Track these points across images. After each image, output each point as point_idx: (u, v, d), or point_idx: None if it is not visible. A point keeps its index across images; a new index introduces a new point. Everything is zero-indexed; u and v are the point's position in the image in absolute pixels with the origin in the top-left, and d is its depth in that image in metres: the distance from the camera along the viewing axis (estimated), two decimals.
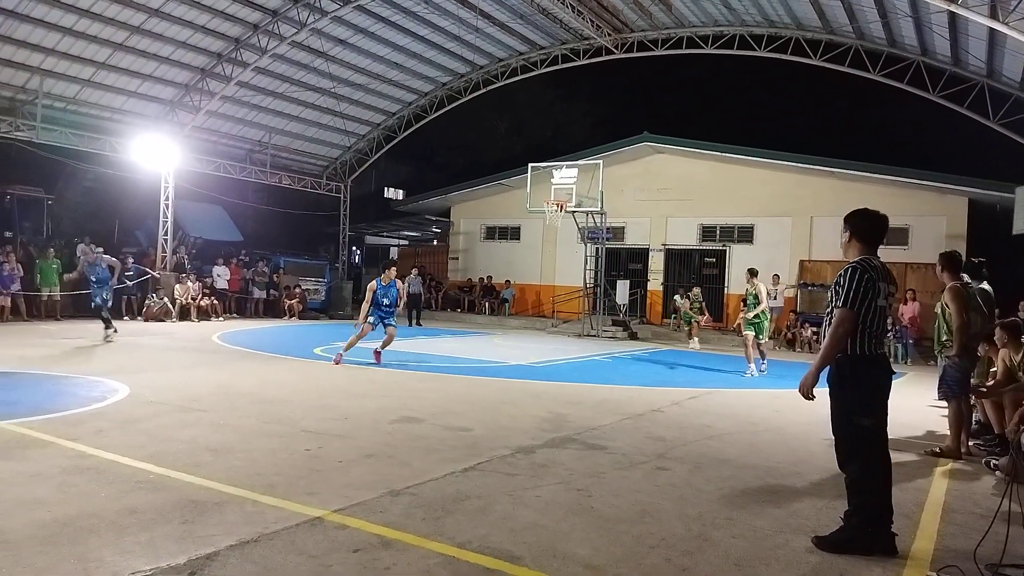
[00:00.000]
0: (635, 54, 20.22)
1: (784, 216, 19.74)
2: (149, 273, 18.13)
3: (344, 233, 25.36)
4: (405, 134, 24.31)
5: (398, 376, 9.76)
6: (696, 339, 17.11)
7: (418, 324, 19.62)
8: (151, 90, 18.36)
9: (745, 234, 20.72)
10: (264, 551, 3.40)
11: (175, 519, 3.76)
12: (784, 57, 18.21)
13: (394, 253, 28.73)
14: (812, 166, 19.33)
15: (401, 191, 32.78)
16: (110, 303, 12.97)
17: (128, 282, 17.19)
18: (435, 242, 27.73)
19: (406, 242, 29.43)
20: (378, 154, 24.83)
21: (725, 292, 20.79)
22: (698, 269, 21.49)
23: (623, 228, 22.17)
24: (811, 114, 30.35)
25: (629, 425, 6.93)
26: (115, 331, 12.56)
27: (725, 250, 20.98)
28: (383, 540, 3.60)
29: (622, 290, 20.14)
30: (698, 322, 17.73)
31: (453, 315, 22.98)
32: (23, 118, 16.46)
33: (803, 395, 3.90)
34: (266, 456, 5.12)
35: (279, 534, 3.62)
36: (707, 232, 21.39)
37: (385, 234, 29.01)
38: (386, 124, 23.94)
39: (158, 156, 18.28)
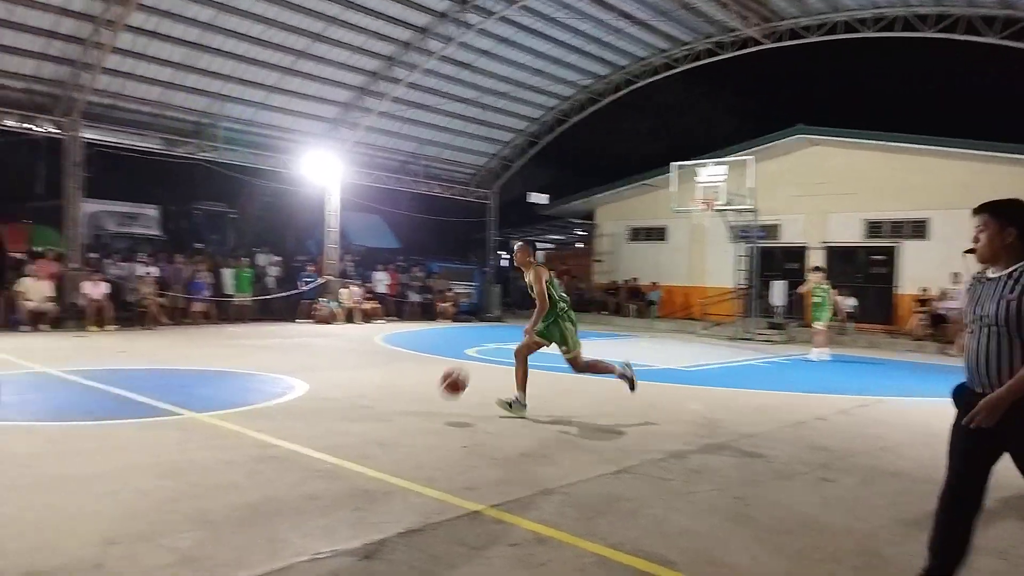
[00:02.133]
0: (786, 43, 19.26)
1: (963, 208, 17.99)
2: (322, 279, 19.63)
3: (492, 238, 26.05)
4: (548, 139, 24.61)
5: (548, 377, 9.91)
6: (820, 349, 13.44)
7: None
8: (316, 109, 19.81)
9: (918, 229, 19.12)
10: (429, 540, 3.61)
11: (349, 506, 4.08)
12: (955, 37, 16.64)
13: (540, 257, 29.17)
14: (996, 153, 17.50)
15: (545, 195, 33.20)
16: None
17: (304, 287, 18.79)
18: (580, 245, 27.82)
19: (551, 246, 29.76)
20: (522, 160, 25.30)
21: (895, 292, 19.29)
22: (864, 267, 20.09)
23: (777, 226, 21.17)
24: (988, 98, 27.51)
25: (789, 433, 6.64)
26: None
27: (894, 247, 19.46)
28: (538, 537, 3.70)
29: (778, 291, 19.22)
30: (837, 321, 14.75)
31: (598, 318, 22.95)
32: (207, 140, 18.31)
33: (984, 421, 2.78)
34: (427, 451, 5.41)
35: (442, 525, 3.82)
36: (873, 228, 19.94)
37: (530, 238, 29.51)
38: (529, 130, 24.36)
39: (323, 171, 19.74)
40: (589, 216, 26.33)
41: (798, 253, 20.96)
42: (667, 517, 4.10)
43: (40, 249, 16.69)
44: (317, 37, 17.48)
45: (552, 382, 9.52)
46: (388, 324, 19.18)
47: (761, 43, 19.39)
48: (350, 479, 4.61)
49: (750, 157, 18.13)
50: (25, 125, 15.61)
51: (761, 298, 19.17)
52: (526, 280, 7.18)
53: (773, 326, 18.55)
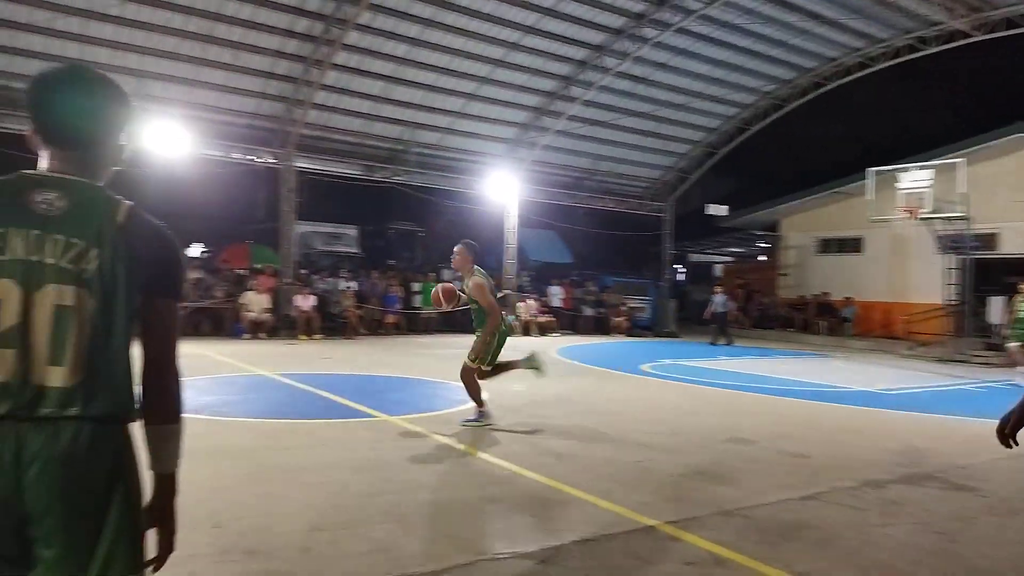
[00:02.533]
0: (1000, 33, 17.20)
1: None
2: (501, 293, 20.39)
3: (667, 252, 25.60)
4: (727, 149, 23.81)
5: (729, 396, 9.58)
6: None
7: (725, 343, 18.78)
8: (496, 132, 20.64)
9: None
10: (604, 550, 3.65)
11: (527, 512, 4.22)
12: None
13: (718, 271, 28.20)
14: None
15: (724, 207, 32.09)
16: None
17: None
18: (762, 258, 26.55)
19: (730, 258, 28.67)
20: (699, 171, 24.67)
21: None
22: None
23: (995, 235, 18.88)
24: None
25: (1008, 466, 5.91)
26: None
27: None
28: (716, 557, 3.61)
29: (997, 307, 17.11)
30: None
31: (784, 335, 21.71)
32: (401, 164, 19.70)
33: None
34: (602, 464, 5.45)
35: (617, 537, 3.84)
36: None
37: (709, 251, 28.65)
38: (707, 140, 23.71)
39: (502, 189, 20.51)
40: (772, 227, 25.08)
41: (1021, 265, 18.54)
42: (861, 549, 3.83)
43: (259, 266, 18.81)
44: (498, 63, 18.26)
45: (733, 400, 9.18)
46: (563, 337, 19.45)
47: (970, 35, 17.49)
48: (527, 486, 4.77)
49: (961, 160, 16.36)
50: (248, 157, 17.74)
51: (976, 315, 17.16)
52: (465, 288, 6.81)
53: (991, 347, 16.52)
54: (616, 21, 17.94)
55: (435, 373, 10.62)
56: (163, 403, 1.62)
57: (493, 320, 6.54)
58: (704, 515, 4.26)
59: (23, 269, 1.46)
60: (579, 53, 18.79)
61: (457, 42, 17.32)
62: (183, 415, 1.66)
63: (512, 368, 6.96)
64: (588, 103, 20.21)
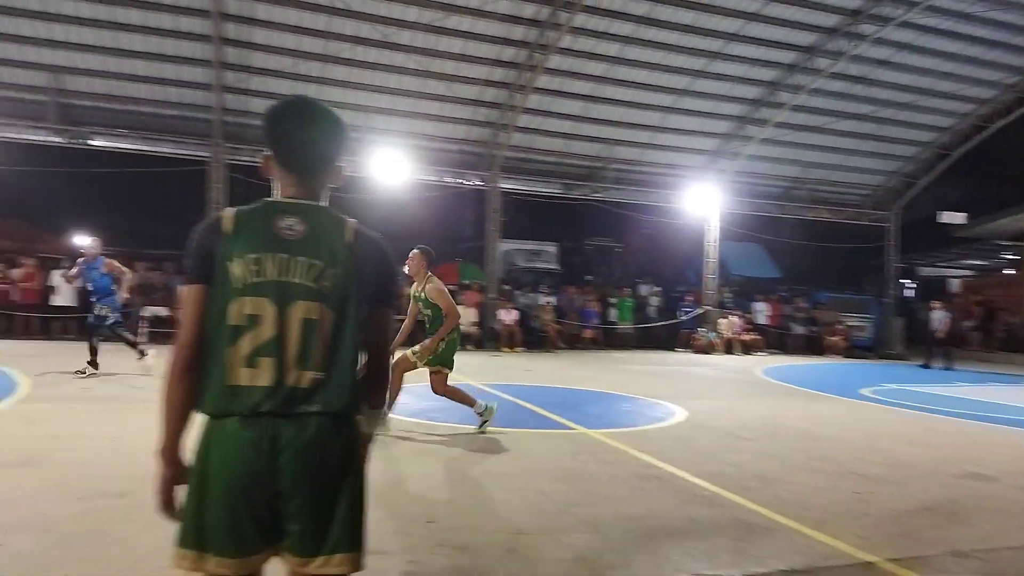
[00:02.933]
0: None
1: None
2: (701, 309, 19.86)
3: (891, 265, 23.36)
4: (963, 149, 21.28)
5: (961, 426, 8.57)
6: None
7: (943, 366, 16.60)
8: (696, 144, 20.19)
9: None
10: None
11: (729, 534, 4.11)
12: None
13: (954, 285, 25.18)
14: None
15: (962, 214, 28.64)
16: (110, 321, 9.47)
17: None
18: (1009, 271, 23.31)
19: (969, 272, 25.51)
20: (929, 175, 22.27)
21: None
22: None
23: None
24: None
25: None
26: (90, 370, 9.34)
27: None
28: None
29: None
30: None
31: None
32: (598, 181, 19.93)
33: None
34: (813, 491, 5.14)
35: (830, 570, 3.62)
36: None
37: (941, 264, 25.72)
38: (938, 141, 21.37)
39: (703, 202, 19.99)
40: (1020, 237, 21.94)
41: None
42: None
43: (467, 282, 19.93)
44: (699, 74, 17.90)
45: (966, 431, 8.21)
46: (769, 357, 18.46)
47: None
48: (729, 508, 4.63)
49: None
50: (458, 180, 18.93)
51: None
52: (416, 292, 6.56)
53: None
54: (829, 20, 16.86)
55: (633, 388, 10.59)
56: (377, 394, 1.90)
57: (452, 322, 6.61)
58: (933, 555, 3.88)
59: (276, 289, 1.72)
60: (787, 56, 17.88)
61: (656, 56, 17.25)
62: (385, 404, 1.94)
63: (464, 403, 6.90)
64: (797, 108, 19.14)
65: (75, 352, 12.37)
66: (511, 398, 9.19)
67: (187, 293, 1.77)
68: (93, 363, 9.30)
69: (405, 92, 16.85)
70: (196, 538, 1.69)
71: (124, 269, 9.57)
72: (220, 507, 1.68)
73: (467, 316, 17.05)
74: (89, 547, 3.52)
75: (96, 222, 29.17)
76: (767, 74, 18.39)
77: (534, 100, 17.61)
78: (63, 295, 14.96)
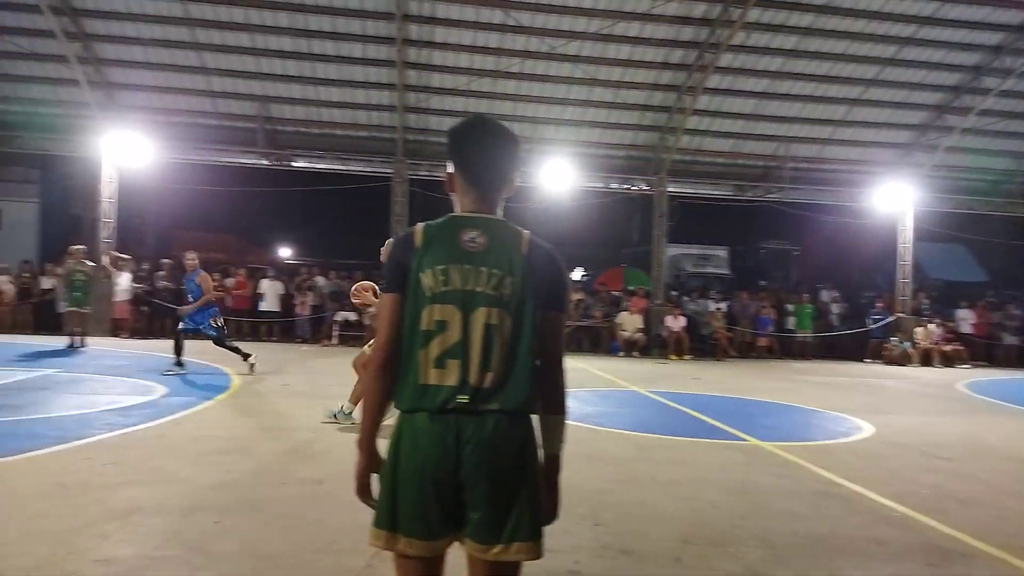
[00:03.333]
0: None
1: None
2: (893, 317, 18.30)
3: None
4: None
5: None
6: None
7: None
8: (885, 137, 18.65)
9: None
10: None
11: (920, 559, 3.80)
12: None
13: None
14: None
15: None
16: (209, 329, 9.92)
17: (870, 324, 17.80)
18: None
19: None
20: None
21: None
22: None
23: None
24: None
25: None
26: (176, 370, 9.61)
27: None
28: None
29: None
30: None
31: None
32: (773, 182, 18.99)
33: None
34: (1019, 516, 4.61)
35: None
36: None
37: None
38: None
39: (894, 200, 18.42)
40: None
41: None
42: None
43: (633, 288, 19.78)
44: (888, 62, 16.57)
45: None
46: (974, 369, 16.59)
47: None
48: (922, 532, 4.27)
49: None
50: (624, 185, 18.87)
51: None
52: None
53: None
54: None
55: (812, 401, 10.00)
56: (554, 398, 1.98)
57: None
58: None
59: (461, 297, 1.88)
60: (992, 38, 16.10)
61: (839, 46, 16.20)
62: (567, 410, 1.99)
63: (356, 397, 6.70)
64: (1006, 94, 17.12)
65: (279, 352, 13.77)
66: (678, 406, 9.02)
67: (385, 301, 1.97)
68: (179, 363, 9.73)
69: (572, 101, 17.09)
70: (389, 520, 1.87)
71: (210, 286, 10.09)
72: (410, 493, 1.85)
73: (633, 323, 16.93)
74: (290, 527, 3.95)
75: (295, 235, 32.32)
76: (968, 58, 16.63)
77: (704, 101, 17.16)
78: (268, 302, 16.67)
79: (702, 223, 24.19)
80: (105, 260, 15.59)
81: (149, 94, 16.44)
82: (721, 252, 25.55)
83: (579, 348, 16.70)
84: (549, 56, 15.93)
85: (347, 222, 27.67)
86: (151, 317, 16.06)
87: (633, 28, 15.64)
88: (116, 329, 15.50)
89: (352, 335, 16.18)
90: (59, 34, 14.44)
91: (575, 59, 16.06)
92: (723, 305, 18.32)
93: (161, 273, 16.63)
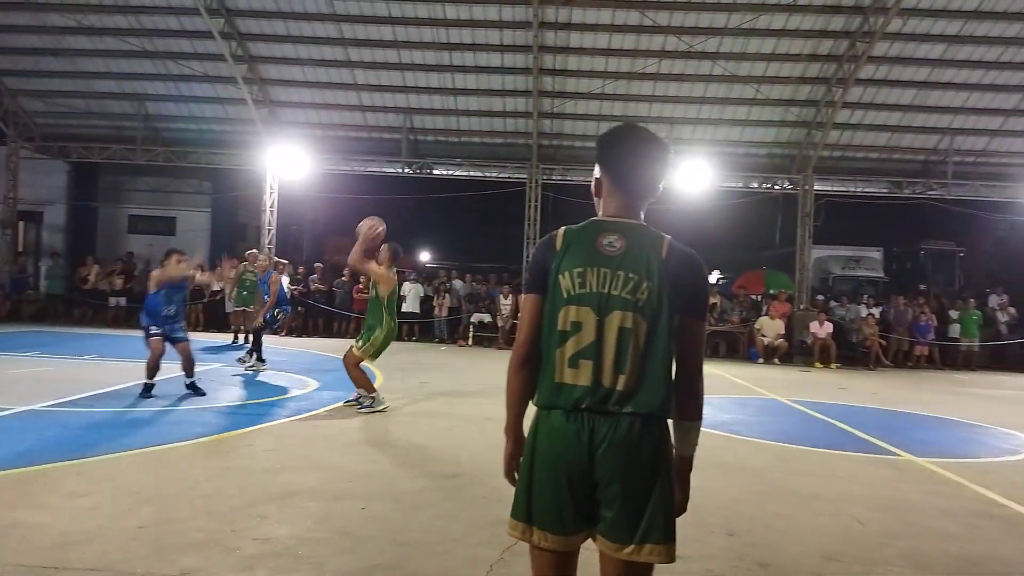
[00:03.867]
0: None
1: None
2: None
3: None
4: None
5: None
6: None
7: None
8: None
9: None
10: None
11: None
12: None
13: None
14: None
15: None
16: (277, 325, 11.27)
17: None
18: None
19: None
20: None
21: None
22: None
23: None
24: None
25: None
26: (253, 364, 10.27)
27: None
28: None
29: None
30: None
31: None
32: (934, 177, 17.52)
33: None
34: None
35: None
36: None
37: None
38: None
39: None
40: None
41: None
42: None
43: (774, 292, 18.92)
44: None
45: None
46: None
47: None
48: None
49: None
50: (766, 185, 18.11)
51: None
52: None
53: None
54: None
55: (976, 415, 9.17)
56: (691, 404, 1.99)
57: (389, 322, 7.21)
58: None
59: (597, 299, 1.94)
60: None
61: (1011, 29, 14.73)
62: (703, 416, 2.01)
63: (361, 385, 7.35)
64: None
65: (418, 352, 14.40)
66: (823, 417, 8.57)
67: (526, 301, 2.08)
68: (260, 359, 10.35)
69: (711, 100, 16.63)
70: (525, 512, 1.97)
71: (274, 292, 10.65)
72: (545, 487, 1.93)
73: (773, 328, 16.21)
74: (428, 517, 4.17)
75: (434, 240, 33.59)
76: None
77: (855, 93, 16.14)
78: (409, 303, 17.47)
79: (853, 223, 22.70)
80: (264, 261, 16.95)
81: (306, 110, 17.72)
82: (874, 254, 23.87)
83: (715, 354, 16.21)
84: (687, 55, 15.59)
85: (483, 227, 28.41)
86: (306, 316, 17.26)
87: (778, 20, 14.99)
88: (276, 327, 16.80)
89: (487, 336, 16.62)
90: (228, 57, 15.88)
91: (714, 56, 15.62)
92: (876, 310, 17.12)
93: (314, 276, 17.85)
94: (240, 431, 6.26)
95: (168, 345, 7.59)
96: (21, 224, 19.30)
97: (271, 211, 17.87)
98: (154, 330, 7.51)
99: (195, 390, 7.66)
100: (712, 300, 17.13)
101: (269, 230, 17.80)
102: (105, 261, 18.46)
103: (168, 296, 7.63)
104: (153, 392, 7.40)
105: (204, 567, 3.29)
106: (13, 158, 18.16)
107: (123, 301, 17.27)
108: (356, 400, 7.44)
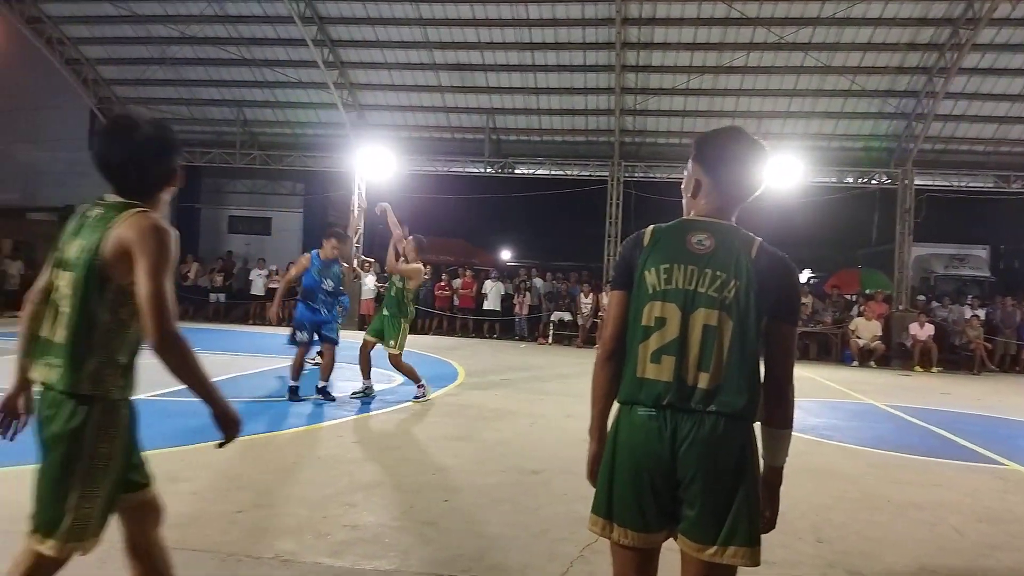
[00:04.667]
0: None
1: None
2: None
3: None
4: None
5: None
6: None
7: None
8: None
9: None
10: None
11: None
12: None
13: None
14: None
15: None
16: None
17: None
18: None
19: None
20: None
21: None
22: None
23: None
24: None
25: None
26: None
27: None
28: None
29: None
30: None
31: None
32: None
33: None
34: None
35: None
36: None
37: None
38: None
39: None
40: None
41: None
42: None
43: (869, 291, 18.09)
44: None
45: None
46: None
47: None
48: None
49: None
50: (861, 180, 17.34)
51: None
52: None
53: None
54: None
55: None
56: (780, 411, 1.96)
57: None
58: None
59: (683, 296, 1.92)
60: None
61: None
62: (793, 424, 1.96)
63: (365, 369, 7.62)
64: None
65: (500, 349, 14.55)
66: (922, 423, 8.15)
67: (612, 297, 2.10)
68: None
69: (802, 92, 16.09)
70: (606, 508, 1.96)
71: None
72: (626, 484, 1.93)
73: (869, 329, 15.50)
74: (508, 512, 4.23)
75: (515, 238, 33.77)
76: None
77: (958, 83, 15.26)
78: (491, 301, 17.65)
79: (956, 219, 21.39)
80: (354, 263, 17.52)
81: (393, 113, 18.19)
82: (980, 251, 22.44)
83: (806, 356, 15.62)
84: (777, 46, 15.12)
85: (564, 225, 28.37)
86: None
87: (874, 8, 14.35)
88: (363, 323, 17.34)
89: (567, 334, 16.60)
90: (321, 64, 16.48)
91: (806, 47, 15.08)
92: (981, 312, 16.11)
93: None
94: (330, 423, 6.51)
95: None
96: None
97: (359, 211, 18.43)
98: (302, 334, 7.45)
99: (325, 395, 7.48)
100: (804, 300, 16.56)
101: (357, 229, 18.35)
102: (207, 259, 19.50)
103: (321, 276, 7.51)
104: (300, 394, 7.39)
105: (297, 551, 3.45)
106: None
107: (222, 297, 18.20)
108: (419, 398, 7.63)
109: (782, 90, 16.13)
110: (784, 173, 15.92)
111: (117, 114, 2.45)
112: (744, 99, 16.40)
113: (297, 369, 7.43)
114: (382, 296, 17.29)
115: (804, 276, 24.92)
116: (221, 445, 2.20)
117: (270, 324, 13.67)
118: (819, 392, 10.33)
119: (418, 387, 7.64)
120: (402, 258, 7.66)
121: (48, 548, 2.04)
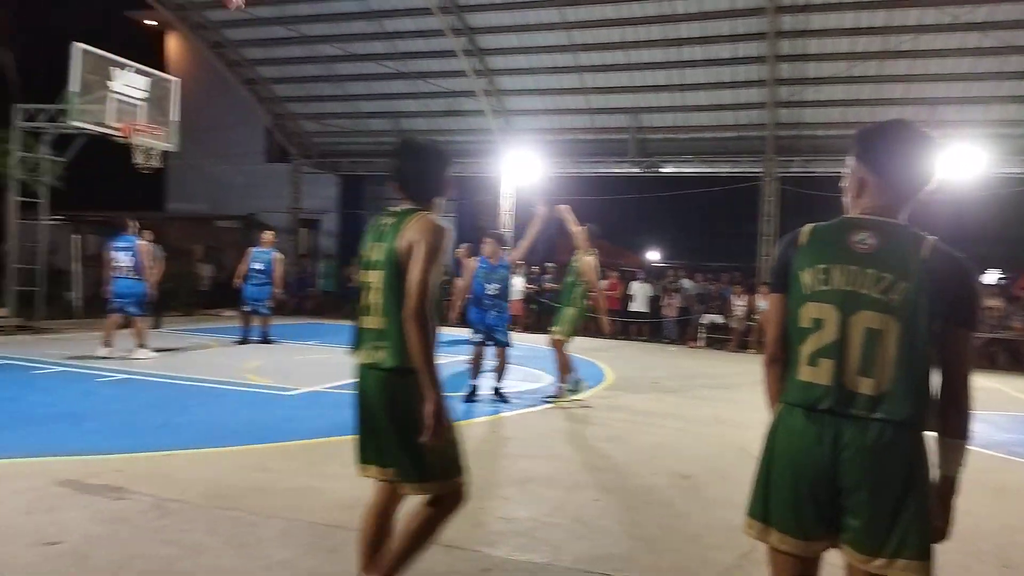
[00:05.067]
0: None
1: None
2: None
3: None
4: None
5: None
6: None
7: None
8: None
9: None
10: None
11: None
12: None
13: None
14: None
15: None
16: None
17: None
18: None
19: None
20: None
21: None
22: None
23: None
24: None
25: None
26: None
27: None
28: None
29: None
30: None
31: None
32: None
33: None
34: None
35: None
36: None
37: None
38: None
39: None
40: None
41: None
42: None
43: None
44: None
45: None
46: None
47: None
48: None
49: None
50: None
51: None
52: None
53: None
54: None
55: None
56: (955, 421, 1.85)
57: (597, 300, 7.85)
58: None
59: (842, 297, 1.85)
60: None
61: None
62: (970, 435, 1.85)
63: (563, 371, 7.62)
64: None
65: (649, 352, 14.38)
66: None
67: (771, 300, 2.09)
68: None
69: (980, 75, 14.59)
70: (762, 511, 1.94)
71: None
72: (784, 487, 1.89)
73: None
74: (660, 515, 4.22)
75: (662, 239, 33.13)
76: None
77: None
78: (638, 303, 17.45)
79: None
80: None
81: (538, 117, 18.48)
82: None
83: (992, 364, 14.14)
84: (950, 27, 13.84)
85: (713, 224, 27.51)
86: (539, 314, 18.00)
87: None
88: (512, 324, 17.74)
89: (719, 338, 16.10)
90: (470, 72, 17.06)
91: (982, 26, 13.67)
92: None
93: (547, 276, 18.55)
94: (486, 418, 6.77)
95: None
96: (303, 231, 22.36)
97: (508, 215, 18.88)
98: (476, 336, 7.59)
99: (500, 396, 7.56)
100: (991, 303, 15.03)
101: (506, 232, 18.82)
102: None
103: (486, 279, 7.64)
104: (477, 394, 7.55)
105: (457, 539, 3.63)
106: (295, 174, 21.15)
107: None
108: (555, 396, 7.67)
109: (956, 74, 14.71)
110: (963, 165, 14.52)
111: (405, 138, 3.00)
112: (915, 85, 15.12)
113: (476, 369, 7.57)
114: (530, 297, 17.82)
115: (992, 277, 22.53)
116: (422, 438, 2.53)
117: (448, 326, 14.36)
118: (1008, 405, 9.35)
119: (559, 385, 7.67)
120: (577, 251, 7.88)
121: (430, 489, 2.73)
